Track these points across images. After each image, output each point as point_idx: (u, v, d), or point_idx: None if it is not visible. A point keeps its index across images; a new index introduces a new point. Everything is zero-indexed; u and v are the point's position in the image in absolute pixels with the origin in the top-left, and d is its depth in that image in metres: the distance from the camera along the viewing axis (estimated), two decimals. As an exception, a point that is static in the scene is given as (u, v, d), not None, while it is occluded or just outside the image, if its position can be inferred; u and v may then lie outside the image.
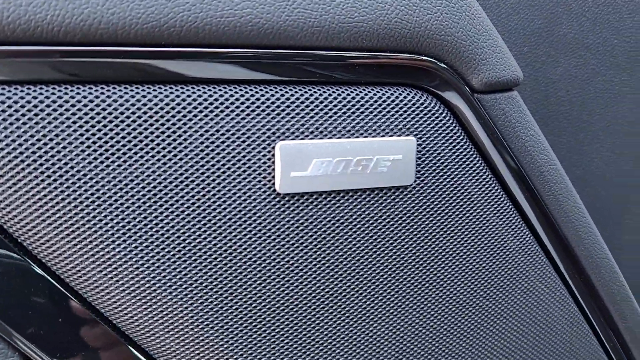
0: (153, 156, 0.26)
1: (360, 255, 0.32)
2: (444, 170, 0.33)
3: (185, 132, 0.27)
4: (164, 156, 0.26)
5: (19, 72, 0.24)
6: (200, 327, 0.29)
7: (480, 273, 0.36)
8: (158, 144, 0.26)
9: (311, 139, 0.29)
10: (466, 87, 0.33)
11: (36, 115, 0.24)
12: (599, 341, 0.44)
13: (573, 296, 0.41)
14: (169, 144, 0.26)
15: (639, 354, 0.45)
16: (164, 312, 0.28)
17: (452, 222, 0.34)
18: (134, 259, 0.27)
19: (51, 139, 0.24)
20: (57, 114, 0.24)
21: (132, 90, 0.25)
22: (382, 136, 0.31)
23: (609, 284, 0.42)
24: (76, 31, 0.23)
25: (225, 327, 0.30)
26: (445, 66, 0.32)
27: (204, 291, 0.29)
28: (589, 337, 0.43)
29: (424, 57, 0.31)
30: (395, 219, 0.32)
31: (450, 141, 0.33)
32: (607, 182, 0.57)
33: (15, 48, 0.23)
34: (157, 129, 0.26)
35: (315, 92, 0.29)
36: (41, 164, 0.24)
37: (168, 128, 0.26)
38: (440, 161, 0.33)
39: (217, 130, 0.27)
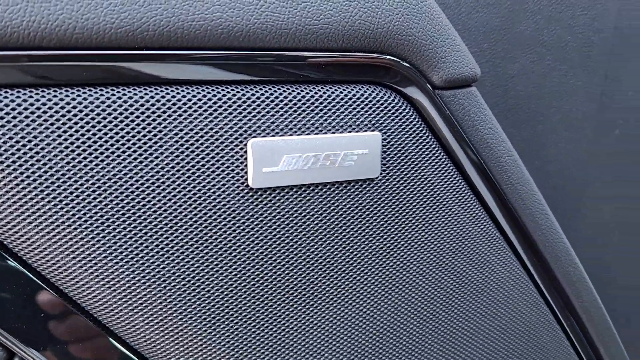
0: (130, 155, 0.27)
1: (331, 245, 0.34)
2: (408, 163, 0.35)
3: (160, 131, 0.28)
4: (140, 155, 0.27)
5: None
6: (179, 318, 0.30)
7: (444, 258, 0.38)
8: (134, 144, 0.27)
9: (281, 135, 0.30)
10: (427, 84, 0.35)
11: (14, 117, 0.25)
12: (557, 321, 0.47)
13: (532, 279, 0.43)
14: (144, 143, 0.27)
15: (595, 332, 0.48)
16: (143, 304, 0.29)
17: (416, 212, 0.36)
18: (113, 254, 0.28)
19: (30, 140, 0.25)
20: (35, 117, 0.25)
21: (107, 92, 0.26)
22: (349, 132, 0.32)
23: (565, 266, 0.44)
24: (52, 36, 0.24)
25: (204, 318, 0.31)
26: (407, 64, 0.34)
27: (182, 283, 0.30)
28: (548, 317, 0.46)
29: (387, 57, 0.33)
30: (363, 210, 0.34)
31: (413, 135, 0.35)
32: (564, 174, 0.61)
33: None
34: (132, 129, 0.27)
35: (284, 91, 0.30)
36: (20, 165, 0.25)
37: (143, 128, 0.27)
38: (405, 154, 0.35)
39: (191, 129, 0.28)
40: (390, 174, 0.35)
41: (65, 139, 0.26)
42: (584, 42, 0.58)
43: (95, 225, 0.27)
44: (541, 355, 0.47)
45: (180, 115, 0.28)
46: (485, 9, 0.54)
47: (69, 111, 0.25)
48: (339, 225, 0.34)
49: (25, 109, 0.25)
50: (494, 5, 0.54)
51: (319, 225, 0.33)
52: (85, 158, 0.26)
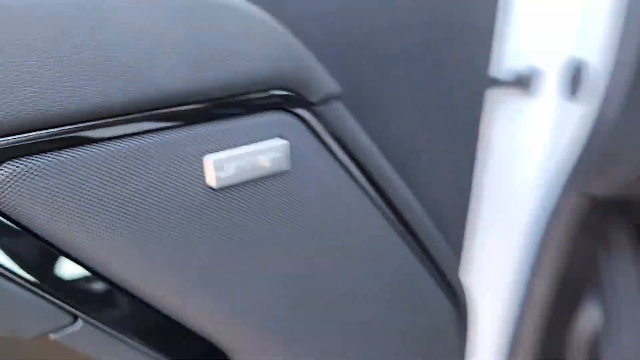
0: (132, 177, 0.42)
1: (266, 217, 0.51)
2: (305, 158, 0.53)
3: (148, 159, 0.42)
4: (138, 176, 0.42)
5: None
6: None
7: (332, 215, 0.57)
8: (135, 171, 0.42)
9: (225, 150, 0.47)
10: (308, 104, 0.53)
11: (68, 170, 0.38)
12: (402, 237, 0.67)
13: (385, 215, 0.64)
14: (142, 170, 0.42)
15: (435, 251, 0.70)
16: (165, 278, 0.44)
17: (313, 188, 0.54)
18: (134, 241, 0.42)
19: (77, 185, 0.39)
20: (96, 167, 0.39)
21: (116, 141, 0.41)
22: (267, 140, 0.49)
23: (404, 203, 0.65)
24: (74, 115, 0.38)
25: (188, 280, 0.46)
26: (293, 94, 0.52)
27: (171, 254, 0.45)
28: (396, 237, 0.65)
29: (282, 91, 0.50)
30: (281, 191, 0.51)
31: (306, 139, 0.53)
32: (401, 156, 0.77)
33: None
34: (133, 161, 0.41)
35: (224, 123, 0.46)
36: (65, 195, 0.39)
37: (140, 160, 0.42)
38: (303, 152, 0.53)
39: (168, 157, 0.43)
40: (295, 167, 0.52)
41: (99, 177, 0.40)
42: (409, 43, 0.73)
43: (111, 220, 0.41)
44: (391, 263, 0.67)
45: (162, 148, 0.43)
46: (346, 34, 0.71)
47: (100, 161, 0.40)
48: (267, 205, 0.51)
49: (79, 161, 0.38)
50: (354, 30, 0.70)
51: (257, 205, 0.50)
52: (106, 181, 0.40)
